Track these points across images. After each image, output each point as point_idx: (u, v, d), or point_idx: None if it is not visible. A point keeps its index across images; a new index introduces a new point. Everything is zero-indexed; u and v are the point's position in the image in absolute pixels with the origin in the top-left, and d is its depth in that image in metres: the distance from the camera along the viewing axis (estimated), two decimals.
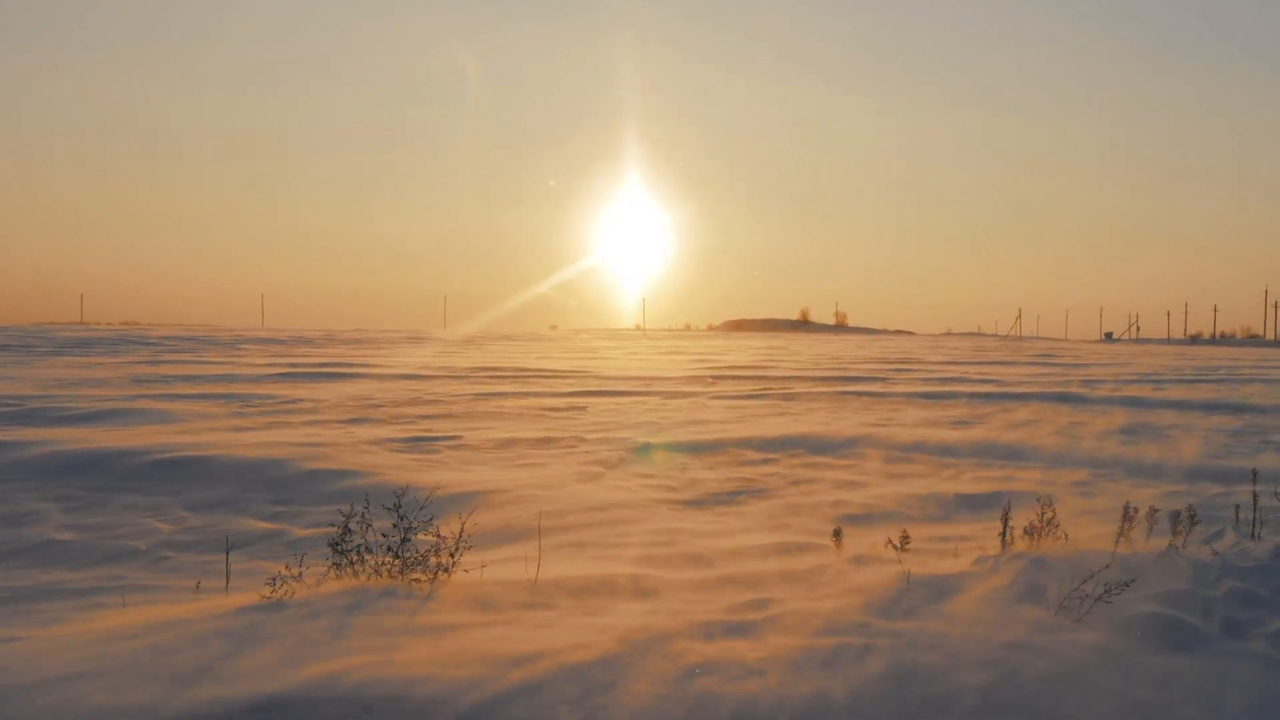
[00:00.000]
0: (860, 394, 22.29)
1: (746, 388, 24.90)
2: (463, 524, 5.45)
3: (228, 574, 5.81)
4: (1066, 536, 6.10)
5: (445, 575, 5.26)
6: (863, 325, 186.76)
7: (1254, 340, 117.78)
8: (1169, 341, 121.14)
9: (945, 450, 12.57)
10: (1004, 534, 6.21)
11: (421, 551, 5.29)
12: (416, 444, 13.02)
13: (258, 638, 4.16)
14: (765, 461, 11.65)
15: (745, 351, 57.63)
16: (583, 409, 18.64)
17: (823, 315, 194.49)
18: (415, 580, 5.16)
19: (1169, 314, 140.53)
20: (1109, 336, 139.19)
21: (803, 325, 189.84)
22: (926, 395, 21.86)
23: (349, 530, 5.28)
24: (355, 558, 5.26)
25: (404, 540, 5.27)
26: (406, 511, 5.28)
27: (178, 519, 8.54)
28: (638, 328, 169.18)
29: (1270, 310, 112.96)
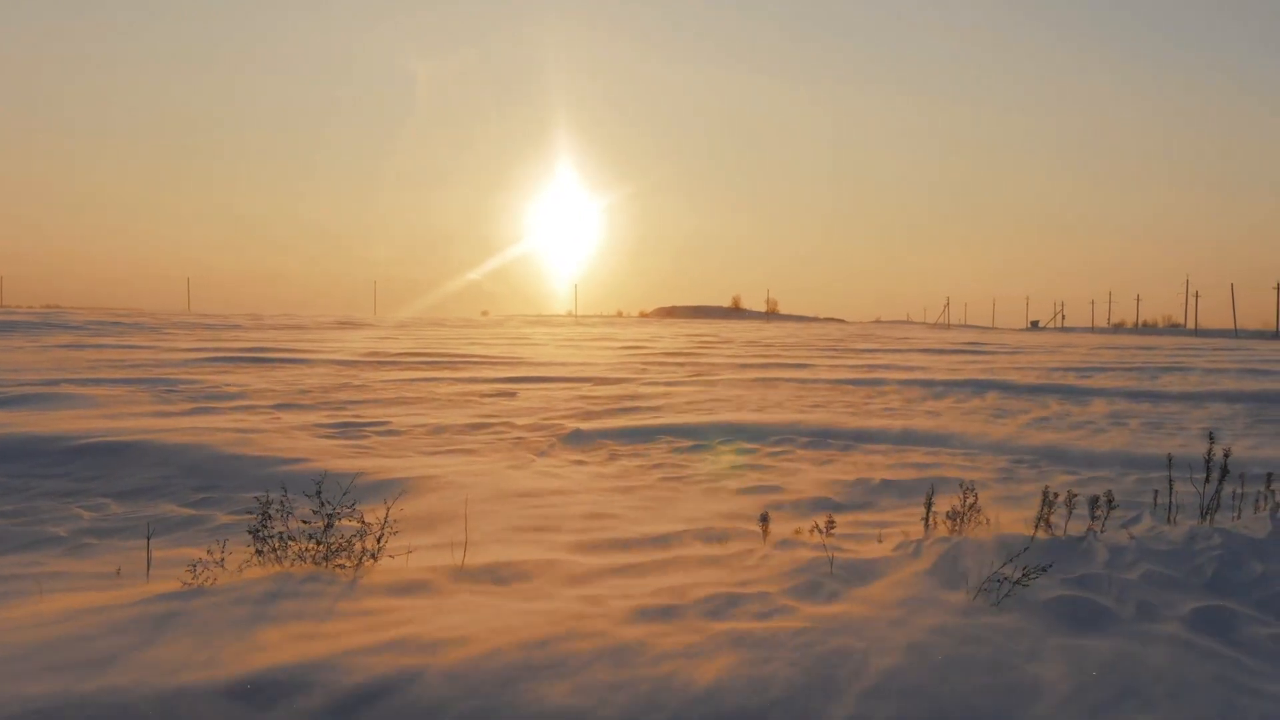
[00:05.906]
0: (790, 380, 22.46)
1: (678, 374, 24.97)
2: (388, 510, 5.42)
3: (149, 561, 5.72)
4: (988, 521, 6.22)
5: (370, 562, 5.23)
6: (794, 312, 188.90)
7: (1175, 329, 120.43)
8: (1093, 330, 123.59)
9: (872, 437, 12.73)
10: (927, 519, 6.32)
11: (346, 537, 5.26)
12: (345, 430, 12.89)
13: (176, 624, 4.10)
14: (696, 448, 11.70)
15: (677, 338, 57.79)
16: (513, 395, 18.57)
17: (754, 302, 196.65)
18: (339, 566, 5.13)
19: (1093, 303, 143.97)
20: (1034, 325, 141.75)
21: (734, 312, 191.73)
22: (855, 382, 22.09)
23: (269, 516, 5.22)
24: (278, 544, 5.21)
25: (327, 526, 5.23)
26: (330, 497, 5.23)
27: (99, 506, 8.38)
28: (570, 314, 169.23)
29: (1191, 300, 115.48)
